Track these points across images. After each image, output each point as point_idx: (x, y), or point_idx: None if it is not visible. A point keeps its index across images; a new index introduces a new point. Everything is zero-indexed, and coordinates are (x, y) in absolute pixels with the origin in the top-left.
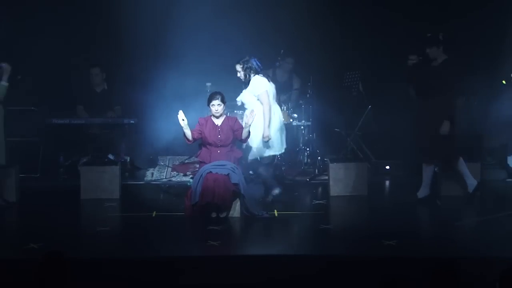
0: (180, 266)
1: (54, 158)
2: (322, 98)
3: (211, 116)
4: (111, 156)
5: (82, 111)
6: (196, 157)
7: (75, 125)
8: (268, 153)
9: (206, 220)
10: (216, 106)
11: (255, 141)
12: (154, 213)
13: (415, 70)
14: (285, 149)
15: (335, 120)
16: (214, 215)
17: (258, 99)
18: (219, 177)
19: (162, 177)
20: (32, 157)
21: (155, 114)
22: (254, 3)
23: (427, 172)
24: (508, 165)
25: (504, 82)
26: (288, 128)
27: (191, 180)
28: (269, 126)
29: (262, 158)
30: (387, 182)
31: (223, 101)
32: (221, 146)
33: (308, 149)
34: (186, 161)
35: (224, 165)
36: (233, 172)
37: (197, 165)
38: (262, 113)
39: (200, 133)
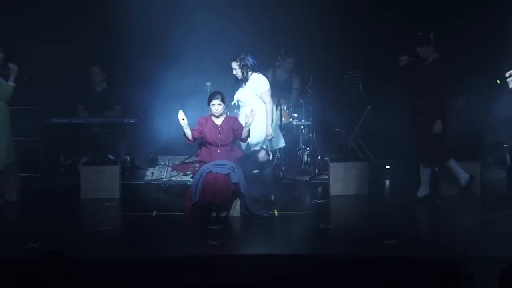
0: (180, 266)
1: (54, 158)
2: (322, 98)
3: (211, 115)
4: (111, 156)
5: (82, 110)
6: (196, 156)
7: (75, 125)
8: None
9: (206, 220)
10: (216, 106)
11: (255, 138)
12: (154, 212)
13: (407, 70)
14: (284, 147)
15: (335, 120)
16: (214, 214)
17: (259, 98)
18: (219, 176)
19: (162, 176)
20: (32, 157)
21: (155, 114)
22: (254, 3)
23: (425, 171)
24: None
25: (498, 81)
26: (288, 128)
27: (191, 179)
28: (271, 124)
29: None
30: (387, 182)
31: (223, 100)
32: (221, 145)
33: (308, 148)
34: (186, 160)
35: (224, 164)
36: (233, 171)
37: (197, 165)
38: (263, 111)
39: (200, 133)
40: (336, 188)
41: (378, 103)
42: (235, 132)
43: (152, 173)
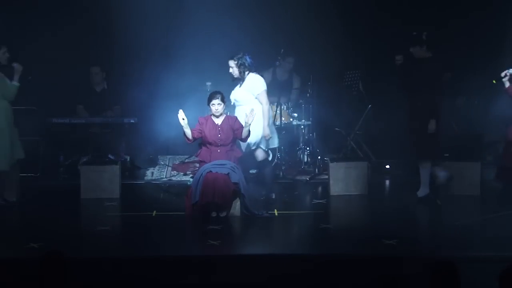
0: (180, 266)
1: (54, 158)
2: (322, 98)
3: (211, 115)
4: (111, 156)
5: (82, 110)
6: (196, 156)
7: (75, 125)
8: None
9: (206, 220)
10: (216, 106)
11: (251, 138)
12: (154, 212)
13: (402, 69)
14: (284, 147)
15: (335, 120)
16: (214, 214)
17: (256, 98)
18: (219, 176)
19: (162, 176)
20: (32, 156)
21: (155, 114)
22: (254, 2)
23: (424, 171)
24: None
25: (494, 81)
26: (288, 128)
27: (191, 179)
28: (268, 124)
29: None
30: (387, 182)
31: (223, 100)
32: (221, 145)
33: (308, 148)
34: (186, 160)
35: (224, 164)
36: (233, 171)
37: (197, 165)
38: (260, 111)
39: (200, 133)
40: (336, 188)
41: (378, 103)
42: (235, 132)
43: (152, 173)
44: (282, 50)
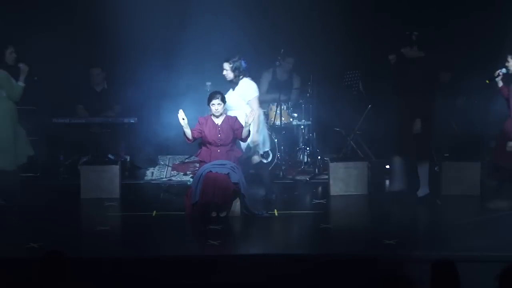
0: (180, 266)
1: (54, 158)
2: (322, 98)
3: (211, 115)
4: (111, 156)
5: (82, 110)
6: (196, 156)
7: (75, 124)
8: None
9: (206, 220)
10: (216, 105)
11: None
12: (154, 212)
13: (394, 69)
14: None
15: (335, 119)
16: (214, 214)
17: (247, 103)
18: (219, 176)
19: (162, 176)
20: (32, 156)
21: (155, 113)
22: (254, 3)
23: (422, 170)
24: None
25: (487, 81)
26: (288, 128)
27: (191, 179)
28: (257, 131)
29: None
30: (387, 182)
31: (223, 100)
32: (221, 145)
33: (308, 148)
34: (186, 160)
35: (224, 164)
36: (233, 171)
37: (197, 165)
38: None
39: (200, 132)
40: (336, 188)
41: (378, 103)
42: (235, 132)
43: (152, 173)
44: (282, 50)
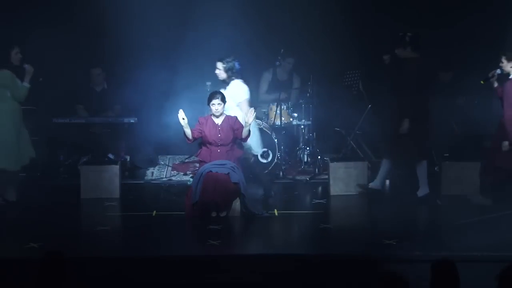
0: (180, 266)
1: (54, 158)
2: (322, 98)
3: (211, 115)
4: (111, 155)
5: (82, 110)
6: (196, 156)
7: (75, 124)
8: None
9: (206, 219)
10: (216, 105)
11: None
12: (154, 212)
13: (389, 69)
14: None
15: (335, 119)
16: (214, 214)
17: (237, 105)
18: (219, 176)
19: (162, 176)
20: (33, 156)
21: (155, 113)
22: (254, 3)
23: (420, 170)
24: None
25: (482, 82)
26: (288, 127)
27: (191, 179)
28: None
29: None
30: (387, 182)
31: (223, 100)
32: (221, 145)
33: (308, 148)
34: (186, 160)
35: (224, 164)
36: (233, 171)
37: (197, 164)
38: (242, 120)
39: (200, 132)
40: (336, 188)
41: (378, 103)
42: (235, 131)
43: (152, 173)
44: (282, 50)
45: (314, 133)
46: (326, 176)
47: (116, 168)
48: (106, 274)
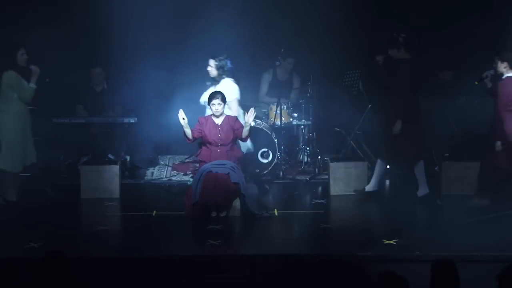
0: (180, 266)
1: (54, 158)
2: (322, 97)
3: (211, 115)
4: (111, 156)
5: (82, 110)
6: (196, 156)
7: (75, 124)
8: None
9: (206, 219)
10: (216, 105)
11: None
12: (154, 212)
13: (382, 70)
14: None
15: (335, 119)
16: (214, 214)
17: (226, 104)
18: (219, 176)
19: (162, 176)
20: None
21: (155, 113)
22: (254, 3)
23: (418, 169)
24: None
25: (476, 82)
26: (288, 127)
27: (191, 179)
28: None
29: None
30: (387, 182)
31: (223, 100)
32: (221, 145)
33: (308, 148)
34: (186, 160)
35: (224, 164)
36: (233, 171)
37: (197, 164)
38: None
39: (200, 132)
40: (336, 188)
41: (378, 103)
42: (235, 131)
43: (152, 173)
44: (282, 50)
45: (314, 133)
46: (326, 176)
47: (116, 168)
48: (106, 274)
